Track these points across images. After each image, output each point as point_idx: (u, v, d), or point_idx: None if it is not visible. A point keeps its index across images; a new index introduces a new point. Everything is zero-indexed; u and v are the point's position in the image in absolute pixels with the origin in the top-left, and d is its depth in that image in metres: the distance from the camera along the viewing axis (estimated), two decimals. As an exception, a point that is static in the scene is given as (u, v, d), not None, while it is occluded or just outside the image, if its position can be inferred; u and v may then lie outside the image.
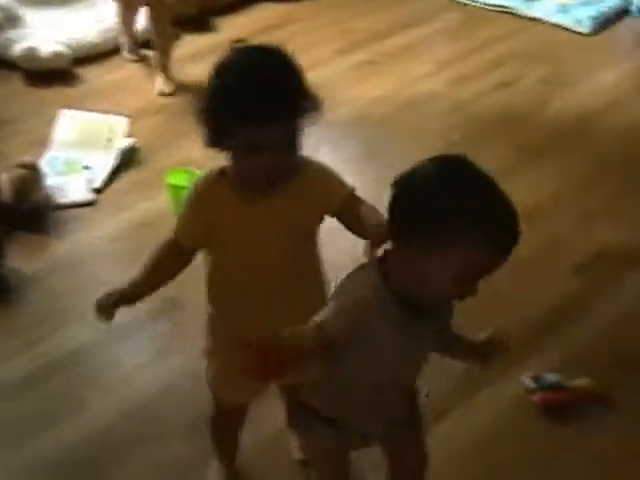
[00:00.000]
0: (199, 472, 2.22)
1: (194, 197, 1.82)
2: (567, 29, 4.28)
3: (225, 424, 2.13)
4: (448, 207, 1.44)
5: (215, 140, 1.72)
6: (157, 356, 2.61)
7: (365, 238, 1.63)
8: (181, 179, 3.11)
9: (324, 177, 1.81)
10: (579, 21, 4.26)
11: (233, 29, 4.38)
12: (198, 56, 4.11)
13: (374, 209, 1.70)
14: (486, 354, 1.71)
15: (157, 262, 1.88)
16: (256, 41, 4.48)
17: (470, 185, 1.49)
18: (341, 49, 4.21)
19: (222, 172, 1.78)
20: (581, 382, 2.35)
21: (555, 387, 2.33)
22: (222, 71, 1.70)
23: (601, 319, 2.64)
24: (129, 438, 2.31)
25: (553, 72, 3.99)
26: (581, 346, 2.55)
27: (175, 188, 3.08)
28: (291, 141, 1.70)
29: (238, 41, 1.77)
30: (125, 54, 4.21)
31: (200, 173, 3.03)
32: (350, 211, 1.75)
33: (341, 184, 1.81)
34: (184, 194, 3.00)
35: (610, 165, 3.36)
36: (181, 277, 2.83)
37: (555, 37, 4.27)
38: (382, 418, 1.72)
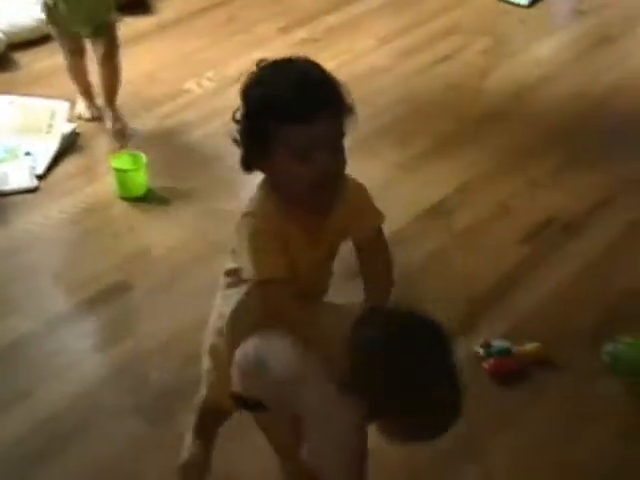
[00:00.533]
0: (152, 456, 2.21)
1: (260, 236, 1.67)
2: (507, 1, 4.29)
3: (214, 418, 2.09)
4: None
5: (260, 155, 1.65)
6: (104, 341, 2.60)
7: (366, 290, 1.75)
8: (125, 162, 3.11)
9: (362, 203, 1.80)
10: (518, -7, 4.29)
11: (173, 9, 4.33)
12: (139, 38, 4.09)
13: (388, 264, 1.82)
14: None
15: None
16: (199, 22, 4.47)
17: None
18: (284, 27, 4.19)
19: (266, 205, 1.69)
20: (529, 347, 2.39)
21: (505, 353, 2.36)
22: (256, 84, 1.67)
23: (548, 286, 2.68)
24: (79, 426, 2.29)
25: (493, 44, 4.01)
26: (529, 312, 2.59)
27: (119, 171, 3.07)
28: (341, 143, 1.66)
29: (262, 61, 1.74)
30: (80, 111, 3.53)
31: (143, 156, 3.06)
32: (370, 248, 1.82)
33: (375, 214, 1.82)
34: (128, 177, 3.07)
35: (552, 134, 3.40)
36: (129, 261, 2.86)
37: (495, 9, 4.29)
38: None
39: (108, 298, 2.68)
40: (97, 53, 3.34)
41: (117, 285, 2.72)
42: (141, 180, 3.09)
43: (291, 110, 1.59)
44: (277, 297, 1.67)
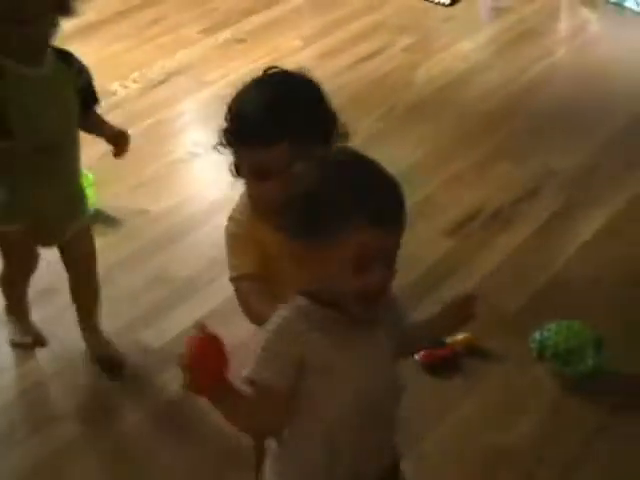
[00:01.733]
0: (84, 459, 2.22)
1: (234, 239, 1.73)
2: (429, 0, 4.35)
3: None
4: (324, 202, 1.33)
5: (235, 167, 1.69)
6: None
7: None
8: None
9: None
10: (440, -9, 4.35)
11: (95, 11, 4.28)
12: (61, 40, 3.97)
13: None
14: (454, 318, 1.63)
15: None
16: (122, 24, 4.39)
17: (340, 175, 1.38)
18: (207, 28, 4.19)
19: (244, 212, 1.73)
20: (460, 337, 2.43)
21: (436, 343, 2.39)
22: (235, 96, 1.68)
23: (475, 277, 2.72)
24: (4, 433, 2.28)
25: (417, 41, 4.06)
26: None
27: None
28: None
29: (270, 68, 1.74)
30: (15, 337, 2.54)
31: (91, 176, 3.00)
32: None
33: None
34: None
35: (478, 128, 3.45)
36: (57, 265, 2.83)
37: (417, 8, 4.34)
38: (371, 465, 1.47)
39: (36, 304, 2.65)
40: (69, 259, 2.39)
41: (45, 291, 2.70)
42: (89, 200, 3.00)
43: (241, 131, 1.64)
44: (245, 292, 1.70)
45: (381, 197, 1.33)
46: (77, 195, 2.28)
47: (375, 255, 1.32)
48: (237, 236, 1.73)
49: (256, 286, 1.69)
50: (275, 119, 1.60)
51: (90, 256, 2.38)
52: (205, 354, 1.30)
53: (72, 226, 2.27)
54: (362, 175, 1.35)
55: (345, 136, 1.71)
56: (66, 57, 2.12)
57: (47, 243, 2.33)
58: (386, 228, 1.33)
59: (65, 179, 2.21)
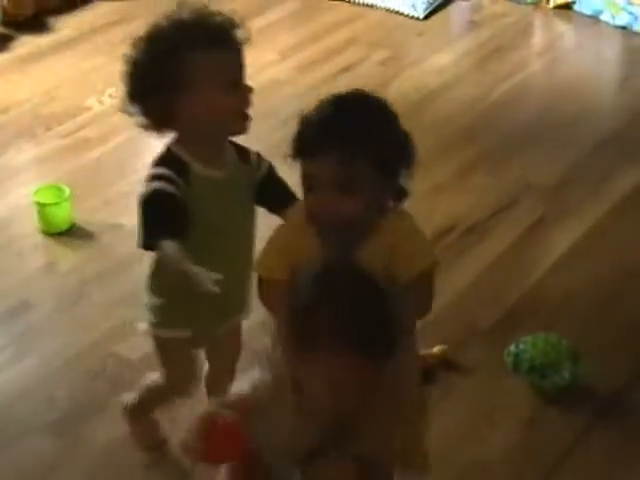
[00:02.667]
0: (61, 473, 2.20)
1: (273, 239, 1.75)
2: (402, 14, 4.37)
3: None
4: None
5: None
6: (8, 361, 2.55)
7: None
8: (47, 196, 3.00)
9: (414, 243, 1.72)
10: (413, 6, 4.35)
11: (71, 28, 4.28)
12: (37, 56, 4.05)
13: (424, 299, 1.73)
14: None
15: None
16: (98, 40, 4.38)
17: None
18: (183, 43, 4.16)
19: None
20: (435, 350, 2.42)
21: (412, 357, 2.39)
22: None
23: (450, 290, 2.71)
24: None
25: (392, 55, 4.07)
26: (433, 316, 2.60)
27: (42, 206, 2.96)
28: (352, 185, 1.60)
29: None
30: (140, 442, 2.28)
31: (67, 189, 2.99)
32: (415, 288, 1.68)
33: (427, 255, 1.73)
34: (50, 211, 2.95)
35: (453, 141, 3.46)
36: (33, 278, 2.82)
37: (392, 22, 4.35)
38: None
39: (11, 317, 2.64)
40: (215, 353, 2.19)
41: (21, 304, 2.68)
42: (64, 214, 2.98)
43: (302, 142, 1.67)
44: (275, 296, 1.68)
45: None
46: (248, 293, 2.03)
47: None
48: (278, 238, 1.73)
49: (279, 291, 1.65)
50: (336, 136, 1.61)
51: (238, 351, 2.18)
52: (219, 447, 1.28)
53: (232, 322, 2.10)
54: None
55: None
56: (244, 153, 2.00)
57: (202, 345, 2.11)
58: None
59: (238, 277, 1.97)
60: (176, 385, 2.07)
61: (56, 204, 2.97)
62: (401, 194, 1.71)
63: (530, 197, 3.14)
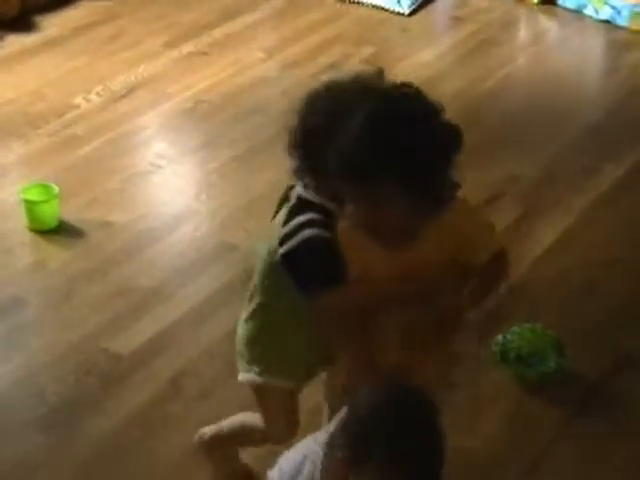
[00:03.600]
0: (51, 467, 2.22)
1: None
2: (387, 10, 4.38)
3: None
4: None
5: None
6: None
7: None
8: (35, 194, 3.00)
9: (477, 231, 1.71)
10: (399, 2, 4.37)
11: (57, 26, 4.27)
12: (23, 55, 4.05)
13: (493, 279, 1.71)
14: None
15: None
16: (84, 38, 4.33)
17: None
18: (169, 42, 4.17)
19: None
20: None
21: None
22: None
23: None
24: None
25: (377, 51, 4.07)
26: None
27: (30, 204, 2.97)
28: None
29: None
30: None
31: (55, 187, 2.99)
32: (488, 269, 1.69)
33: (493, 241, 1.74)
34: (39, 209, 2.96)
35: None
36: (22, 275, 2.83)
37: (376, 18, 4.36)
38: None
39: (3, 312, 2.66)
40: None
41: (11, 299, 2.70)
42: (52, 212, 2.99)
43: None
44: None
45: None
46: None
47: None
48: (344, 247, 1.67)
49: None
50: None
51: None
52: None
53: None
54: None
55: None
56: None
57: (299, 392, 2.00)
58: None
59: None
60: (278, 432, 1.97)
61: (44, 202, 2.98)
62: (454, 187, 1.67)
63: (516, 190, 3.16)
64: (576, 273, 2.79)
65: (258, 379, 1.88)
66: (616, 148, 3.36)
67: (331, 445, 1.51)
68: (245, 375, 1.90)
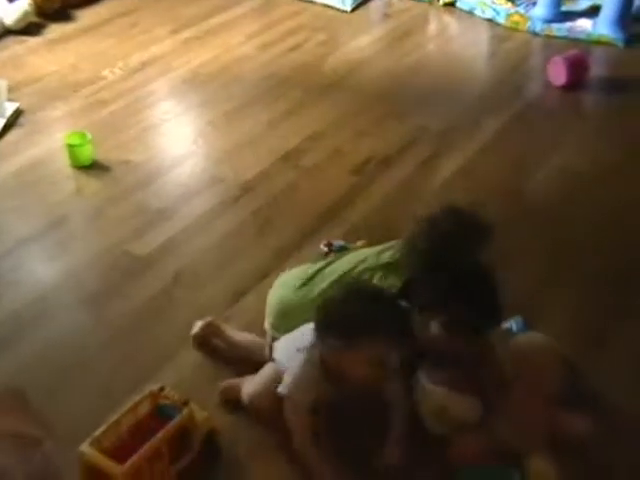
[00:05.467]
0: (95, 334, 2.13)
1: None
2: (335, 8, 4.22)
3: None
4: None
5: None
6: (52, 257, 2.46)
7: None
8: (75, 140, 2.86)
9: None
10: (343, 2, 4.20)
11: (89, 18, 4.08)
12: (64, 39, 3.86)
13: None
14: None
15: None
16: (110, 27, 4.10)
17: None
18: (174, 29, 3.99)
19: None
20: (359, 243, 2.37)
21: (343, 249, 2.34)
22: None
23: (371, 203, 2.68)
24: (33, 322, 2.17)
25: (328, 38, 3.93)
26: (359, 222, 2.58)
27: (71, 147, 2.84)
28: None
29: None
30: None
31: (90, 135, 2.84)
32: None
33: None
34: (77, 151, 2.82)
35: (373, 99, 3.36)
36: (66, 200, 2.70)
37: (327, 13, 4.20)
38: None
39: (51, 228, 2.55)
40: None
41: (59, 218, 2.59)
42: (88, 153, 2.85)
43: None
44: None
45: None
46: None
47: None
48: None
49: None
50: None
51: None
52: None
53: None
54: None
55: None
56: None
57: None
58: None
59: None
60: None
61: (82, 145, 2.86)
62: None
63: (427, 137, 3.08)
64: (466, 195, 2.70)
65: None
66: (495, 109, 3.28)
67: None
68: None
